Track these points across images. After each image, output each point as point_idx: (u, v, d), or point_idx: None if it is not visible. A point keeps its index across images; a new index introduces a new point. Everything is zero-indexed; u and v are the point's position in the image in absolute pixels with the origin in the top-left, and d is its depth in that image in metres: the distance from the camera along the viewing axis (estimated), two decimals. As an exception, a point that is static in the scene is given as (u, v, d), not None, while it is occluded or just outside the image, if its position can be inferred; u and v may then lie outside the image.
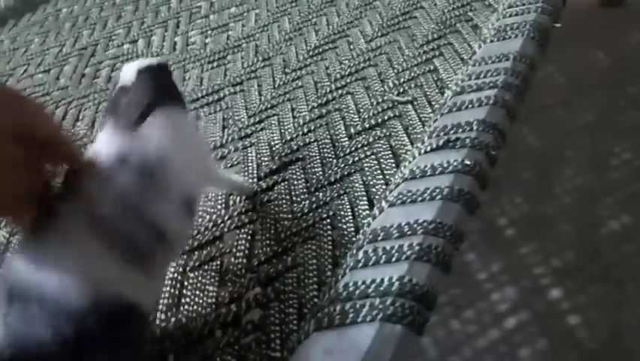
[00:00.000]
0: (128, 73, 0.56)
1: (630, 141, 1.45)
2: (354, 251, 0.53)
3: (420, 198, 0.56)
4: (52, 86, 1.05)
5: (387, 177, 0.66)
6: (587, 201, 1.37)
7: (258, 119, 0.83)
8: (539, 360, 1.12)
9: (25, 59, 1.17)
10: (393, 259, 0.50)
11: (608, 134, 1.49)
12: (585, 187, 1.40)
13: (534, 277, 1.23)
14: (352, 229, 0.61)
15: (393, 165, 0.68)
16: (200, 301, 0.55)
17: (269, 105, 0.86)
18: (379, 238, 0.53)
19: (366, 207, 0.63)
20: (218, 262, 0.61)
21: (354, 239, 0.59)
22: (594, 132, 1.51)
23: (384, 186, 0.65)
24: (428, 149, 0.62)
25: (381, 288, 0.48)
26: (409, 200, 0.56)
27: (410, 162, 0.62)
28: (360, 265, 0.51)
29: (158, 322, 0.54)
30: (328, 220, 0.63)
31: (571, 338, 1.13)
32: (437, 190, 0.56)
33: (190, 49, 1.08)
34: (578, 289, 1.20)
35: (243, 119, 0.84)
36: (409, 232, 0.52)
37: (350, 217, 0.62)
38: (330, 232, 0.61)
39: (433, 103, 0.76)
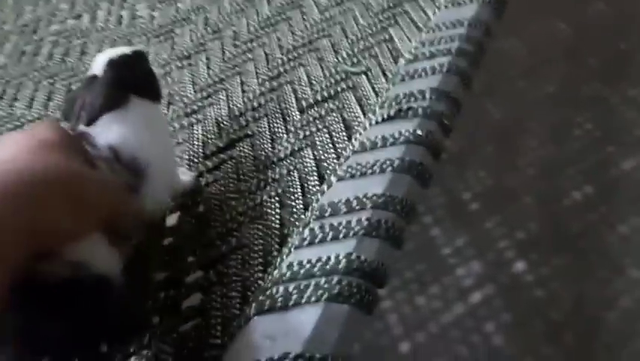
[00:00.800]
0: (100, 61, 0.54)
1: (591, 111, 1.45)
2: (301, 229, 0.50)
3: (369, 171, 0.53)
4: (-11, 65, 0.99)
5: (339, 150, 0.63)
6: (549, 172, 1.37)
7: (205, 94, 0.79)
8: (505, 333, 1.12)
9: (-39, 38, 1.10)
10: (341, 235, 0.47)
11: (570, 104, 1.49)
12: (548, 158, 1.40)
13: (499, 250, 1.23)
14: (302, 206, 0.57)
15: (346, 138, 0.65)
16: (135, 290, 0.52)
17: (217, 80, 0.82)
18: (327, 215, 0.50)
19: (317, 183, 0.60)
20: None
21: (302, 217, 0.55)
22: (556, 103, 1.50)
23: (335, 161, 0.62)
24: (379, 119, 0.59)
25: (327, 266, 0.45)
26: (358, 173, 0.53)
27: (361, 134, 0.59)
28: (306, 243, 0.48)
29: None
30: (277, 198, 0.60)
31: (535, 309, 1.13)
32: (387, 162, 0.53)
33: (136, 22, 1.02)
34: (542, 260, 1.20)
35: (189, 95, 0.80)
36: (357, 207, 0.50)
37: (299, 194, 0.59)
38: (278, 211, 0.58)
39: (388, 73, 0.73)
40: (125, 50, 0.58)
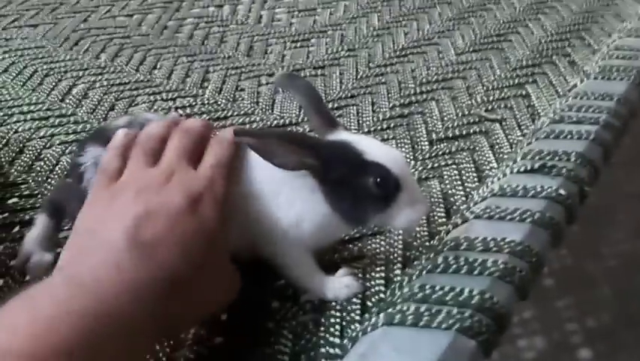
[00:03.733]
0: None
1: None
2: (432, 255, 0.50)
3: (509, 217, 0.53)
4: (133, 30, 1.05)
5: (468, 190, 0.63)
6: (632, 268, 1.32)
7: (336, 105, 0.81)
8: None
9: (109, 0, 1.17)
10: (475, 271, 0.47)
11: (667, 205, 1.44)
12: (633, 254, 1.35)
13: (566, 332, 1.19)
14: (426, 233, 0.58)
15: (476, 179, 0.65)
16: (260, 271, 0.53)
17: (349, 94, 0.84)
18: (461, 248, 0.50)
19: (443, 215, 0.60)
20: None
21: (426, 244, 0.56)
22: (653, 201, 1.46)
23: (463, 198, 0.62)
24: (522, 169, 0.59)
25: (460, 298, 0.45)
26: (496, 216, 0.53)
27: (500, 179, 0.59)
28: (439, 270, 0.48)
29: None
30: (400, 220, 0.60)
31: (593, 402, 1.09)
32: (528, 213, 0.53)
33: (275, 25, 1.07)
34: (609, 353, 1.15)
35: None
36: (494, 248, 0.49)
37: (424, 221, 0.59)
38: (401, 232, 0.58)
39: (523, 127, 0.73)
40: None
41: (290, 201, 0.49)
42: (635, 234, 1.40)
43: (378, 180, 0.47)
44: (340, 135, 0.51)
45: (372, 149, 0.49)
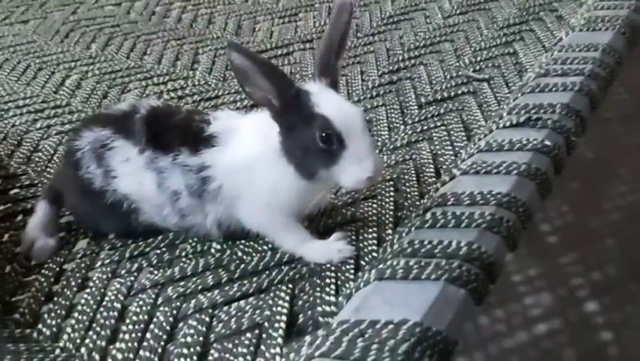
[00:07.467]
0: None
1: (690, 165, 1.40)
2: (421, 212, 0.52)
3: (495, 171, 0.54)
4: (122, 19, 1.05)
5: (457, 149, 0.64)
6: (635, 220, 1.33)
7: (326, 76, 0.82)
8: (565, 370, 1.09)
9: (97, -9, 1.18)
10: (463, 224, 0.49)
11: (667, 156, 1.44)
12: (635, 206, 1.35)
13: (571, 287, 1.20)
14: (416, 193, 0.59)
15: (464, 138, 0.66)
16: (258, 240, 0.55)
17: (338, 65, 0.84)
18: (449, 203, 0.51)
19: (432, 174, 0.61)
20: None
21: (417, 203, 0.57)
22: (653, 152, 1.45)
23: (452, 157, 0.63)
24: (507, 124, 0.60)
25: (448, 250, 0.46)
26: (483, 170, 0.54)
27: (486, 135, 0.60)
28: (427, 225, 0.49)
29: (213, 251, 0.54)
30: (391, 183, 0.61)
31: (601, 352, 1.10)
32: (514, 165, 0.54)
33: (262, 2, 1.07)
34: (616, 305, 1.16)
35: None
36: (481, 201, 0.51)
37: (414, 182, 0.61)
38: (392, 194, 0.60)
39: (511, 85, 0.74)
40: None
41: (262, 173, 0.51)
42: (636, 186, 1.40)
43: (322, 133, 0.48)
44: (307, 86, 0.52)
45: (327, 102, 0.49)
